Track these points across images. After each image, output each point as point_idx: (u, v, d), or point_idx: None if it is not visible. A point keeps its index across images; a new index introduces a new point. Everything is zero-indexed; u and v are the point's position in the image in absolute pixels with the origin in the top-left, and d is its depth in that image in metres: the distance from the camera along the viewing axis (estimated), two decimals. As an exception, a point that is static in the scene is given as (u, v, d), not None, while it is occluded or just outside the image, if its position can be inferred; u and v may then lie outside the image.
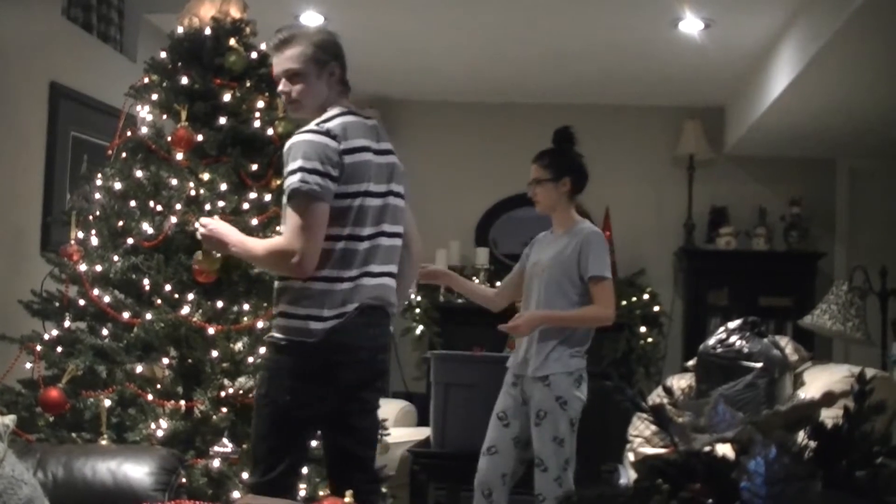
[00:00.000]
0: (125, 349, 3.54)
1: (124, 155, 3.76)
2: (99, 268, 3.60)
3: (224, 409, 3.43)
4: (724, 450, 1.93)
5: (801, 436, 1.82)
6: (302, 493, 3.29)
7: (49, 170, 4.56)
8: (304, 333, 2.76)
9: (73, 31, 4.81)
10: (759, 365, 4.12)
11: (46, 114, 4.55)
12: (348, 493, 2.23)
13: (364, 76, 6.59)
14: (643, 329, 6.61)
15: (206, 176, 3.60)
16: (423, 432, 5.06)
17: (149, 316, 3.49)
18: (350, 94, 3.01)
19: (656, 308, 6.68)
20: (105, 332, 3.59)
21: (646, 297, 6.65)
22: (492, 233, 6.95)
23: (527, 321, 3.73)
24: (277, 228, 2.82)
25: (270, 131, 3.76)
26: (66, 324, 3.65)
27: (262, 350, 3.30)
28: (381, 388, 3.03)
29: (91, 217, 3.75)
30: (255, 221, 3.53)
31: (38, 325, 3.70)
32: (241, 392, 3.46)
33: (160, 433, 3.39)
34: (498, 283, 4.63)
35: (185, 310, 3.48)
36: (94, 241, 3.68)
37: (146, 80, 3.81)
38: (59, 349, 3.59)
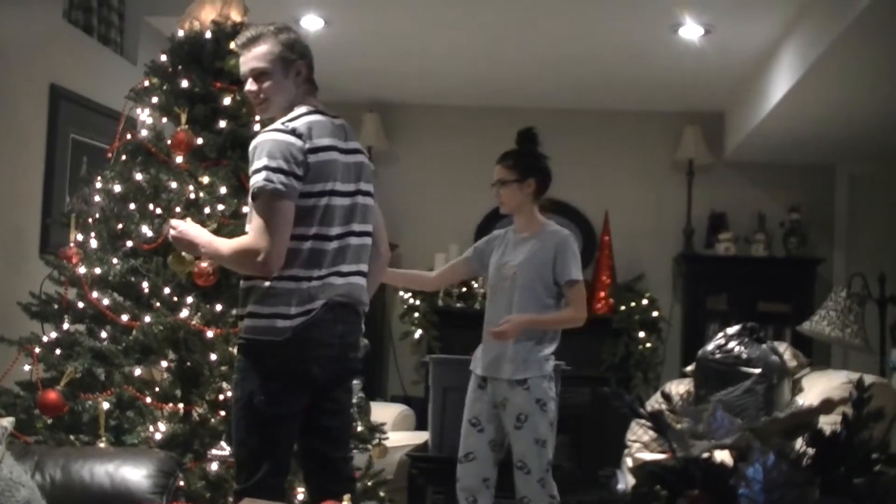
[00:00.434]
0: (124, 352, 3.53)
1: (124, 157, 3.76)
2: (98, 270, 3.60)
3: (222, 413, 3.43)
4: (723, 456, 1.94)
5: (800, 442, 1.82)
6: (300, 496, 3.29)
7: (49, 172, 4.57)
8: (272, 332, 2.76)
9: (73, 33, 4.81)
10: (758, 371, 4.12)
11: (46, 116, 4.55)
12: (346, 496, 2.23)
13: (364, 79, 6.62)
14: (642, 334, 6.61)
15: (205, 179, 3.60)
16: (422, 436, 5.06)
17: (147, 319, 3.49)
18: (317, 92, 2.99)
19: (655, 313, 6.68)
20: (104, 334, 3.58)
21: (645, 302, 6.65)
22: (491, 236, 6.95)
23: (514, 326, 3.74)
24: (246, 228, 2.81)
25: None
26: (65, 326, 3.65)
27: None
28: (351, 388, 3.05)
29: (90, 219, 3.75)
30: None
31: (36, 327, 3.70)
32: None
33: (158, 436, 3.38)
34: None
35: (184, 313, 3.48)
36: (94, 243, 3.68)
37: (146, 82, 3.82)
38: (58, 351, 3.59)
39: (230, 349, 3.47)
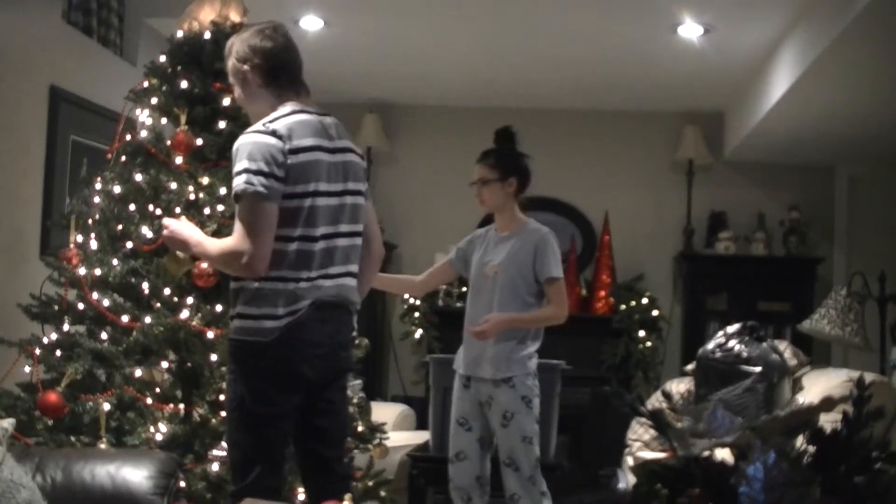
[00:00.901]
0: (124, 353, 3.53)
1: (124, 159, 3.76)
2: (98, 271, 3.60)
3: (223, 413, 3.42)
4: (723, 454, 1.94)
5: (800, 441, 1.82)
6: (300, 496, 3.29)
7: (49, 173, 4.57)
8: (260, 333, 2.76)
9: (73, 35, 4.82)
10: (758, 369, 4.13)
11: (46, 117, 4.55)
12: (347, 496, 2.23)
13: (364, 80, 6.62)
14: (642, 333, 6.61)
15: (205, 180, 3.60)
16: (422, 436, 5.06)
17: (148, 320, 3.48)
18: (304, 90, 2.97)
19: (655, 312, 6.68)
20: (104, 335, 3.58)
21: (645, 301, 6.65)
22: (491, 237, 6.95)
23: (494, 326, 3.74)
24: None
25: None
26: (65, 327, 3.65)
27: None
28: (345, 388, 3.03)
29: (90, 221, 3.75)
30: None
31: (37, 328, 3.70)
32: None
33: (159, 437, 3.39)
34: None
35: (185, 314, 3.48)
36: (94, 244, 3.68)
37: (146, 83, 3.82)
38: (58, 353, 3.59)
39: (230, 350, 3.47)
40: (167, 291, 3.52)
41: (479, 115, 7.00)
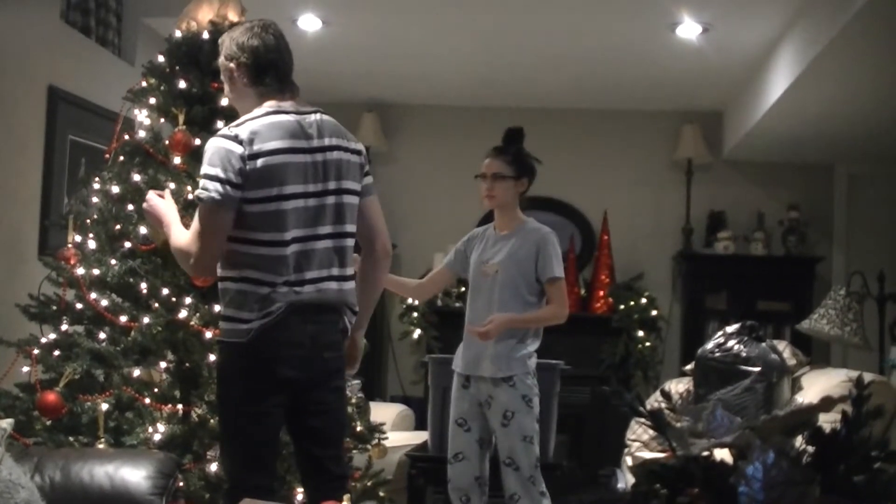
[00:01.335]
0: (122, 353, 3.53)
1: (122, 158, 3.75)
2: (96, 271, 3.60)
3: (221, 413, 3.42)
4: (723, 454, 1.93)
5: (800, 440, 1.82)
6: (299, 496, 3.29)
7: (47, 173, 4.56)
8: (237, 334, 2.77)
9: (71, 34, 4.81)
10: (757, 369, 4.12)
11: (45, 117, 4.55)
12: (346, 497, 2.23)
13: (362, 79, 6.62)
14: (641, 333, 6.61)
15: (203, 180, 3.60)
16: (421, 436, 5.05)
17: (146, 320, 3.48)
18: (291, 88, 2.93)
19: (654, 312, 6.69)
20: (102, 335, 3.58)
21: (644, 301, 6.65)
22: (490, 237, 6.94)
23: (498, 326, 3.74)
24: None
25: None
26: (64, 327, 3.64)
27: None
28: (339, 388, 2.96)
29: (89, 221, 3.74)
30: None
31: (35, 328, 3.70)
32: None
33: (157, 437, 3.38)
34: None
35: (183, 313, 3.48)
36: (92, 244, 3.67)
37: (144, 83, 3.81)
38: (57, 353, 3.58)
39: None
40: (165, 291, 3.52)
41: (478, 115, 7.02)
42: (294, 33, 5.37)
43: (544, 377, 4.03)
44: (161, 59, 3.83)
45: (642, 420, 4.04)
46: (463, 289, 6.68)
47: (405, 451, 4.87)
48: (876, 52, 4.49)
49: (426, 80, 6.58)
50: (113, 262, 3.61)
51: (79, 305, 3.64)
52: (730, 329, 4.38)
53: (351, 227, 2.93)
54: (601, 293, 6.72)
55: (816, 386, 4.05)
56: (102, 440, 3.34)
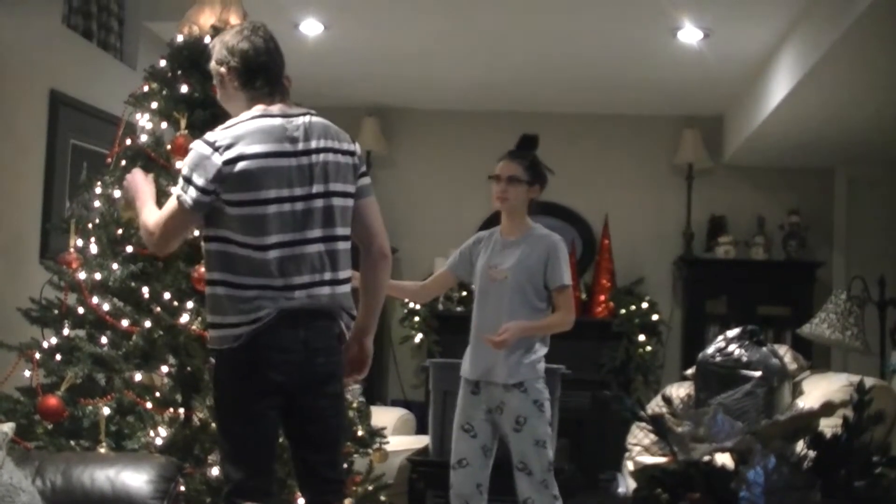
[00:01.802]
0: (124, 357, 3.53)
1: (124, 163, 3.76)
2: (98, 275, 3.60)
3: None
4: (724, 459, 1.94)
5: (801, 445, 1.82)
6: (300, 501, 3.28)
7: (48, 177, 4.57)
8: (225, 340, 2.77)
9: (73, 39, 4.82)
10: (758, 374, 4.13)
11: (46, 121, 4.55)
12: (347, 501, 2.23)
13: (363, 84, 6.62)
14: (642, 338, 6.61)
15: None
16: (422, 440, 5.06)
17: (147, 324, 3.49)
18: (281, 91, 2.91)
19: (655, 317, 6.68)
20: (104, 339, 3.58)
21: (644, 305, 6.65)
22: (491, 241, 6.94)
23: (514, 335, 3.74)
24: None
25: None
26: (65, 331, 3.65)
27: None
28: (335, 394, 2.91)
29: (90, 225, 3.75)
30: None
31: (36, 332, 3.70)
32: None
33: (159, 441, 3.38)
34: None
35: (184, 318, 3.48)
36: (94, 248, 3.68)
37: (146, 87, 3.82)
38: (58, 357, 3.58)
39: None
40: (167, 296, 3.52)
41: (479, 119, 7.02)
42: (296, 38, 5.38)
43: (545, 381, 4.03)
44: (163, 63, 3.84)
45: (643, 424, 4.04)
46: (464, 293, 6.69)
47: (406, 455, 4.87)
48: (876, 57, 4.49)
49: (427, 84, 6.59)
50: (115, 266, 3.61)
51: (80, 309, 3.64)
52: (731, 333, 4.38)
53: (342, 230, 2.88)
54: (602, 297, 6.72)
55: (817, 390, 4.05)
56: (103, 444, 3.34)
